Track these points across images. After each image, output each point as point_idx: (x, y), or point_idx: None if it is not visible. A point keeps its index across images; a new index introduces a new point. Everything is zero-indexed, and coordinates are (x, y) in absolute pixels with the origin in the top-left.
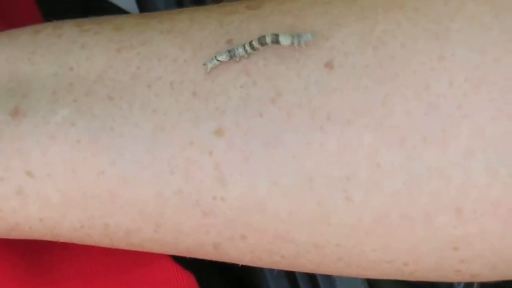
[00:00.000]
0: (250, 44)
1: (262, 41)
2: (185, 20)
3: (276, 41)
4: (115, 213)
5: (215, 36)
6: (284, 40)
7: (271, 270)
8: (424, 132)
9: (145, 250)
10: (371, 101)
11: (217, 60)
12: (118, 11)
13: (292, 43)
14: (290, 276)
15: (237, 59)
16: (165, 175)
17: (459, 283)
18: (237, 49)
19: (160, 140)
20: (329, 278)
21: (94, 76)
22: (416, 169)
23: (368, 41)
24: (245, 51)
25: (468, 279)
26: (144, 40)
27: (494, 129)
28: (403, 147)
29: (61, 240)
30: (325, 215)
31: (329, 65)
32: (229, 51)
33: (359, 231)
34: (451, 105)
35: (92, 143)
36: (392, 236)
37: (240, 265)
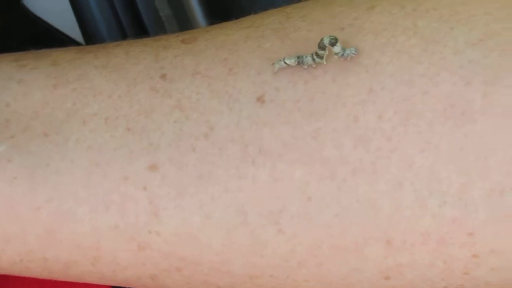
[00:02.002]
0: (316, 53)
1: (321, 45)
2: (120, 54)
3: (332, 44)
4: (53, 247)
5: (149, 71)
6: (336, 49)
7: None
8: (354, 165)
9: (84, 282)
10: (301, 135)
11: (285, 63)
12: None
13: (341, 54)
14: None
15: (305, 67)
16: (101, 210)
17: None
18: (305, 57)
19: (95, 175)
20: None
21: (31, 112)
22: (346, 201)
23: (300, 76)
24: (313, 59)
25: None
26: (79, 76)
27: (423, 161)
28: (334, 180)
29: (2, 272)
30: (258, 247)
31: (260, 99)
32: (298, 57)
33: (291, 262)
34: (380, 138)
35: (29, 180)
36: (325, 267)
37: None
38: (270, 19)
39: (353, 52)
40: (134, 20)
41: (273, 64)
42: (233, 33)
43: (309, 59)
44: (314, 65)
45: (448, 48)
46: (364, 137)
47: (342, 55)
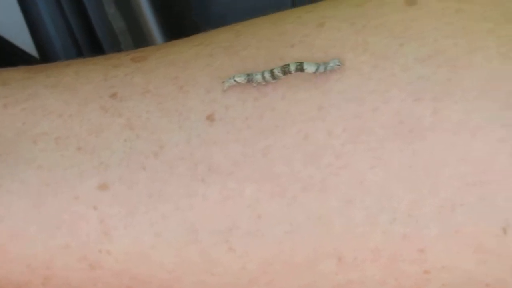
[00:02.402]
0: (271, 72)
1: (285, 69)
2: (71, 74)
3: (300, 69)
4: (4, 267)
5: (99, 90)
6: (309, 68)
7: None
8: (304, 182)
9: None
10: (251, 152)
11: (235, 80)
12: (20, 52)
13: (317, 71)
14: None
15: (254, 85)
16: (52, 230)
17: None
18: (255, 74)
19: (46, 195)
20: None
21: None
22: (297, 218)
23: (249, 93)
24: (263, 78)
25: None
26: (29, 95)
27: (373, 178)
28: (284, 197)
29: None
30: (209, 265)
31: (210, 117)
32: (248, 75)
33: (243, 280)
34: (330, 155)
35: None
36: (276, 284)
37: None
38: (220, 37)
39: (337, 63)
40: (88, 33)
41: (223, 82)
42: (183, 51)
43: (259, 77)
44: (263, 83)
45: (397, 65)
46: (314, 154)
47: (325, 69)
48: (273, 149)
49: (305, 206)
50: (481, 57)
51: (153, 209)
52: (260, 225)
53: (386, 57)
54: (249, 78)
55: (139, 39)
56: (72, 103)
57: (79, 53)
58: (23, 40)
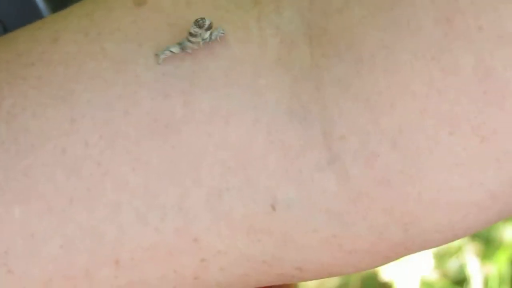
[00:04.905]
0: (190, 33)
1: (200, 23)
2: None
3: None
4: None
5: None
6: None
7: None
8: (70, 194)
9: None
10: (13, 175)
11: (170, 51)
12: None
13: (210, 39)
14: None
15: (190, 52)
16: None
17: None
18: (184, 42)
19: None
20: None
21: None
22: (69, 231)
23: (0, 117)
24: (190, 41)
25: None
26: None
27: (136, 179)
28: (53, 213)
29: None
30: None
31: None
32: (179, 43)
33: None
34: (90, 164)
35: None
36: None
37: None
38: None
39: (221, 32)
40: None
41: (156, 54)
42: None
43: (188, 44)
44: (197, 48)
45: (139, 66)
46: (75, 166)
47: (210, 39)
48: (33, 168)
49: (75, 218)
50: (220, 45)
51: None
52: (34, 244)
53: (127, 60)
54: (182, 47)
55: None
56: None
57: None
58: None
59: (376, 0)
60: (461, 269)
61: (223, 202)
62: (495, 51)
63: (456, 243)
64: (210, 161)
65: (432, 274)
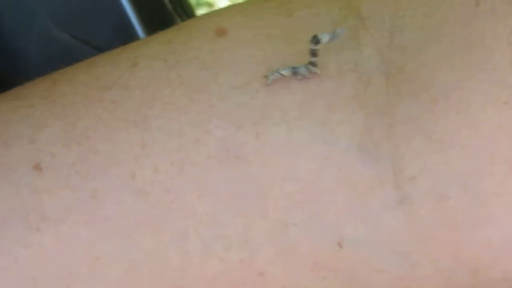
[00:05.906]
0: (310, 62)
1: (315, 40)
2: None
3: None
4: None
5: None
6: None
7: None
8: (136, 219)
9: None
10: (81, 196)
11: (280, 73)
12: None
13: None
14: None
15: (299, 78)
16: None
17: None
18: (300, 67)
19: None
20: None
21: None
22: (133, 255)
23: (73, 139)
24: (307, 69)
25: None
26: None
27: (203, 208)
28: (118, 237)
29: None
30: None
31: (37, 167)
32: (293, 68)
33: None
34: (159, 190)
35: None
36: None
37: None
38: (36, 88)
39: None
40: None
41: (266, 76)
42: (1, 106)
43: (303, 69)
44: (308, 76)
45: (214, 95)
46: (143, 191)
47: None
48: (101, 190)
49: (140, 243)
50: (295, 79)
51: None
52: (98, 267)
53: (202, 89)
54: (294, 71)
55: None
56: None
57: None
58: None
59: (455, 41)
60: None
61: (288, 236)
62: None
63: None
64: (277, 194)
65: None
